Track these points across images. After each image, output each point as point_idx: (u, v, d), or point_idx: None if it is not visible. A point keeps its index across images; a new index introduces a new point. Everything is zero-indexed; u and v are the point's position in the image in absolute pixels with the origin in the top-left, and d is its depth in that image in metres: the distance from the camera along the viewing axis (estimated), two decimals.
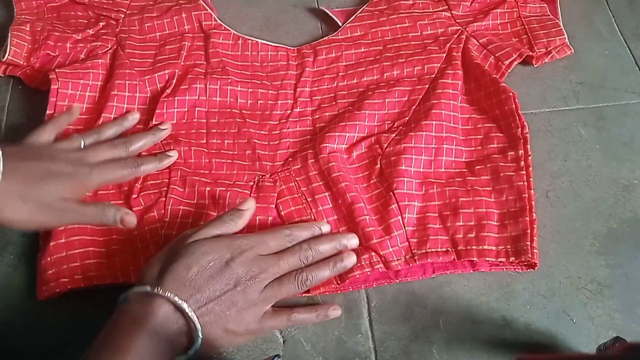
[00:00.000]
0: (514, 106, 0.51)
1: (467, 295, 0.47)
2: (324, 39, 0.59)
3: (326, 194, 0.49)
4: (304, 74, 0.56)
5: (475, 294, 0.47)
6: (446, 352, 0.45)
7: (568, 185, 0.52)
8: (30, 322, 0.45)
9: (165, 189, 0.49)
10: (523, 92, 0.57)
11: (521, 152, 0.49)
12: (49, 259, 0.45)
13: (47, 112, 0.52)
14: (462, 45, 0.56)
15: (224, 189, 0.49)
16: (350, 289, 0.46)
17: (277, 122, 0.54)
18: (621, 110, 0.56)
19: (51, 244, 0.46)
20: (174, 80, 0.54)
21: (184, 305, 0.37)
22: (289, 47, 0.58)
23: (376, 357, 0.45)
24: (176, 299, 0.37)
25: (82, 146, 0.48)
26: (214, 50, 0.56)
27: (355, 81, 0.56)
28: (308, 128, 0.54)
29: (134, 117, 0.52)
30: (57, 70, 0.53)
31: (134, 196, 0.48)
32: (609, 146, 0.54)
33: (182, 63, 0.55)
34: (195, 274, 0.38)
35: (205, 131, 0.53)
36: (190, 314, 0.37)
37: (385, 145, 0.51)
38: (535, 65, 0.58)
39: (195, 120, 0.53)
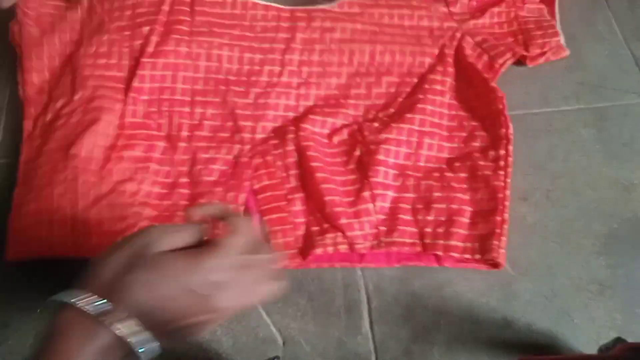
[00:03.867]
0: (501, 107, 0.51)
1: (468, 296, 0.47)
2: (319, 7, 0.58)
3: (298, 170, 0.49)
4: (294, 40, 0.55)
5: (476, 294, 0.47)
6: (447, 353, 0.44)
7: (569, 186, 0.52)
8: (31, 321, 0.45)
9: (142, 165, 0.49)
10: (523, 92, 0.57)
11: (502, 152, 0.49)
12: (18, 223, 0.46)
13: (21, 87, 0.53)
14: (455, 43, 0.56)
15: (202, 166, 0.49)
16: (314, 266, 0.47)
17: (263, 90, 0.53)
18: (621, 110, 0.56)
19: (23, 209, 0.46)
20: (154, 37, 0.52)
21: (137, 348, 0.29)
22: (281, 7, 0.57)
23: (377, 358, 0.44)
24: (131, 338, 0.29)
25: None
26: (200, 8, 0.55)
27: (345, 59, 0.55)
28: (292, 103, 0.53)
29: None
30: (25, 32, 0.53)
31: (109, 166, 0.48)
32: (609, 146, 0.54)
33: (163, 19, 0.53)
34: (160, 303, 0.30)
35: (189, 99, 0.52)
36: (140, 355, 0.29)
37: (367, 133, 0.51)
38: (530, 66, 0.58)
39: (179, 85, 0.52)
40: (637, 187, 0.52)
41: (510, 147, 0.49)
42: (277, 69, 0.54)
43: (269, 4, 0.57)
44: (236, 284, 0.32)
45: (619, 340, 0.42)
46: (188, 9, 0.54)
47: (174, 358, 0.44)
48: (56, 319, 0.30)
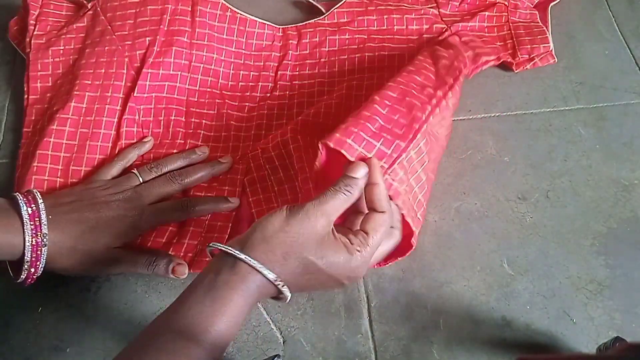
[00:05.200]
0: (462, 67, 0.49)
1: (467, 295, 0.47)
2: (309, 21, 0.59)
3: (289, 171, 0.50)
4: (286, 57, 0.57)
5: (476, 294, 0.47)
6: (446, 352, 0.44)
7: (568, 185, 0.52)
8: (30, 321, 0.45)
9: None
10: (523, 92, 0.57)
11: (440, 93, 0.46)
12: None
13: (26, 96, 0.53)
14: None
15: None
16: None
17: (256, 104, 0.55)
18: (621, 110, 0.56)
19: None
20: (156, 48, 0.53)
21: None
22: (275, 26, 0.58)
23: (376, 357, 0.44)
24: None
25: (140, 181, 0.47)
26: (201, 19, 0.55)
27: (336, 69, 0.56)
28: (285, 112, 0.54)
29: (203, 152, 0.50)
30: (33, 41, 0.54)
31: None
32: (609, 146, 0.54)
33: (165, 28, 0.54)
34: None
35: (184, 109, 0.53)
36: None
37: None
38: (516, 71, 0.57)
39: (175, 96, 0.53)
40: (637, 187, 0.52)
41: (449, 92, 0.46)
42: (270, 85, 0.56)
43: (263, 22, 0.58)
44: (365, 265, 0.38)
45: (618, 339, 0.42)
46: (189, 19, 0.55)
47: None
48: (218, 263, 0.36)
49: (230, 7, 0.57)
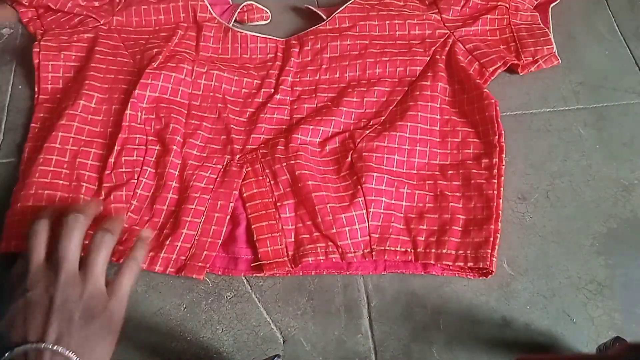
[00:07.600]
0: (494, 113, 0.51)
1: (467, 295, 0.47)
2: (311, 29, 0.59)
3: (287, 177, 0.49)
4: (288, 64, 0.57)
5: (475, 294, 0.47)
6: (446, 352, 0.45)
7: (568, 185, 0.52)
8: None
9: (139, 169, 0.49)
10: (523, 92, 0.57)
11: (495, 160, 0.49)
12: (13, 218, 0.47)
13: (36, 95, 0.54)
14: (447, 49, 0.56)
15: (191, 172, 0.50)
16: (301, 273, 0.47)
17: (256, 109, 0.55)
18: (621, 110, 0.56)
19: (18, 204, 0.47)
20: (161, 57, 0.54)
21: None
22: (277, 39, 0.58)
23: (376, 357, 0.45)
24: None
25: None
26: (205, 44, 0.57)
27: (337, 75, 0.56)
28: (285, 117, 0.54)
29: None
30: (42, 42, 0.55)
31: (107, 172, 0.49)
32: (609, 146, 0.54)
33: (172, 47, 0.56)
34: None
35: (185, 111, 0.53)
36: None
37: (358, 140, 0.51)
38: (521, 74, 0.57)
39: (178, 99, 0.54)
40: (637, 187, 0.52)
41: (503, 155, 0.49)
42: (271, 91, 0.56)
43: (265, 36, 0.58)
44: None
45: (617, 339, 0.42)
46: (194, 44, 0.57)
47: (176, 357, 0.44)
48: None
49: (232, 28, 0.58)
